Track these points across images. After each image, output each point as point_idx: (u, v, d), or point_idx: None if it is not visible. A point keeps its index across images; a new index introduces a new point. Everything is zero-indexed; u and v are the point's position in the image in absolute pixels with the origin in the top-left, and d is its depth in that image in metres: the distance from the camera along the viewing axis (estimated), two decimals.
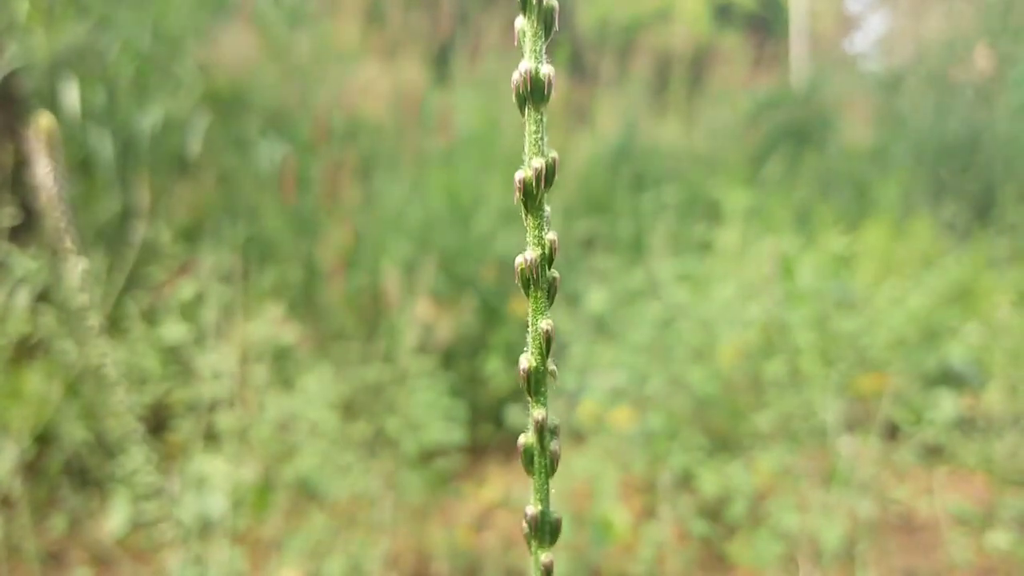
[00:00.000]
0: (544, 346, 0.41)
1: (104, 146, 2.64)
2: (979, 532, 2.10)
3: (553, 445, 0.42)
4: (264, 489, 1.86)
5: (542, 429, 0.42)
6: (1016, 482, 2.31)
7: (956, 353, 2.65)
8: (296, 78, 3.25)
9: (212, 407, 1.95)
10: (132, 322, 2.17)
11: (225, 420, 1.88)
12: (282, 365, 2.25)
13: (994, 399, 2.51)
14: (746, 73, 5.82)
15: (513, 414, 2.28)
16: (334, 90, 3.34)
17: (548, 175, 0.40)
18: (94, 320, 0.91)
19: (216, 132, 2.85)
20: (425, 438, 2.06)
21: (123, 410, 0.89)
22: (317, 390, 1.99)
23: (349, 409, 2.16)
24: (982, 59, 5.11)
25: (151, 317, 2.26)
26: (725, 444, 2.28)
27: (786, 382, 2.31)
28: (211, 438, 1.97)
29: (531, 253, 0.40)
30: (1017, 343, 2.74)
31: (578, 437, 2.18)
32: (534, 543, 0.43)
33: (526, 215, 0.40)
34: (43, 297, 2.17)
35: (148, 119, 2.68)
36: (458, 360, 2.67)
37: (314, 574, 1.65)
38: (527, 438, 0.42)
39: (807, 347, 2.34)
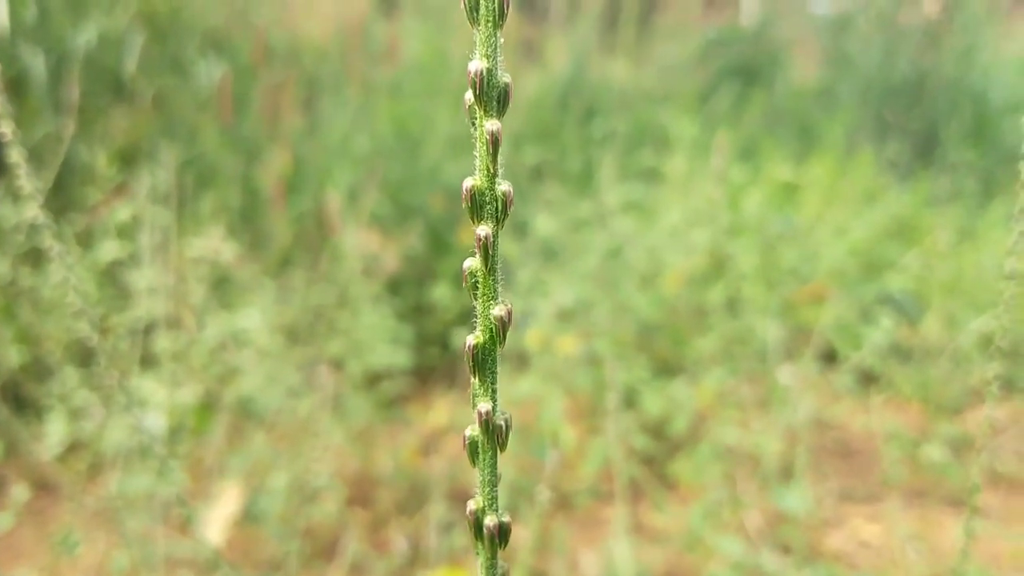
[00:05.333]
0: None
1: (36, 64, 2.53)
2: (913, 455, 2.16)
3: None
4: (204, 409, 1.84)
5: None
6: (950, 409, 2.37)
7: (895, 284, 2.70)
8: None
9: (149, 329, 1.91)
10: (67, 244, 2.11)
11: (163, 341, 1.84)
12: (223, 289, 2.21)
13: (931, 328, 2.57)
14: (697, 12, 5.79)
15: (459, 337, 2.27)
16: (275, 10, 3.25)
17: None
18: (50, 240, 0.85)
19: (153, 51, 2.76)
20: (370, 360, 2.04)
21: (84, 325, 0.84)
22: (259, 311, 1.96)
23: (291, 332, 2.13)
24: (930, 3, 5.15)
25: (86, 240, 2.20)
26: (668, 369, 2.31)
27: (729, 307, 2.34)
28: (150, 362, 1.93)
29: None
30: (953, 276, 2.81)
31: (524, 361, 2.19)
32: (479, 110, 0.38)
33: None
34: None
35: (82, 37, 2.57)
36: (405, 289, 2.65)
37: (257, 489, 1.64)
38: None
39: (750, 272, 2.37)
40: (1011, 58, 4.93)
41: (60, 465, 1.85)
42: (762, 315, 2.27)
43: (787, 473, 1.91)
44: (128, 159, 2.47)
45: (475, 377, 0.42)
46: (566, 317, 2.24)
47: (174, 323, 1.94)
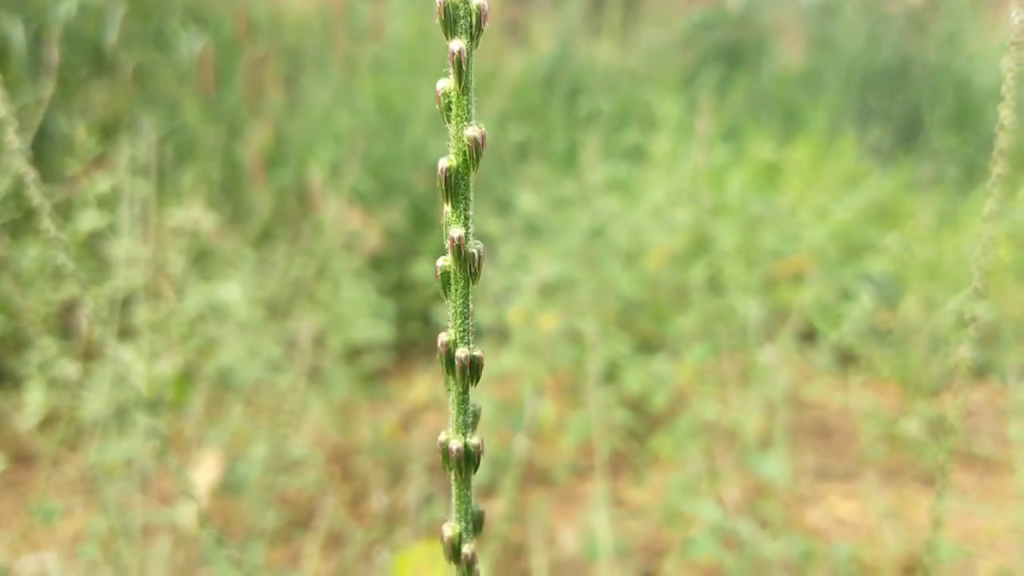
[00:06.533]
0: None
1: (16, 34, 2.51)
2: (890, 435, 2.19)
3: None
4: (183, 381, 1.83)
5: None
6: (927, 390, 2.40)
7: (875, 266, 2.71)
8: None
9: (128, 300, 1.89)
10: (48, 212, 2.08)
11: (142, 312, 1.83)
12: (203, 262, 2.20)
13: (910, 310, 2.59)
14: None
15: (441, 312, 2.27)
16: None
17: None
18: (45, 210, 0.82)
19: (134, 23, 2.73)
20: (351, 334, 2.04)
21: (73, 286, 0.82)
22: (239, 284, 1.95)
23: (271, 305, 2.12)
24: None
25: (65, 211, 2.18)
26: (649, 346, 2.31)
27: (710, 285, 2.35)
28: (128, 333, 1.92)
29: None
30: (933, 259, 2.82)
31: (505, 337, 2.19)
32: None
33: None
34: None
35: (62, 7, 2.54)
36: (387, 266, 2.65)
37: (237, 458, 1.64)
38: None
39: (732, 251, 2.38)
40: (995, 46, 4.95)
41: (39, 434, 1.84)
42: (743, 293, 2.28)
43: (765, 448, 1.92)
44: (108, 131, 2.45)
45: (447, 203, 0.40)
46: (548, 293, 2.24)
47: (153, 294, 1.93)
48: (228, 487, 1.58)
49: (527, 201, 2.51)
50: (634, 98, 3.72)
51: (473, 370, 0.42)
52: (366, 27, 3.50)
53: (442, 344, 0.42)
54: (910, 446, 2.14)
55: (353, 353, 2.12)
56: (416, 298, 2.55)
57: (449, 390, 0.43)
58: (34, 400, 1.71)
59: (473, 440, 0.43)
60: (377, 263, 2.57)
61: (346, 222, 2.37)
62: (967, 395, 0.71)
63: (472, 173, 0.40)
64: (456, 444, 0.43)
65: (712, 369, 2.17)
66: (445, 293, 0.42)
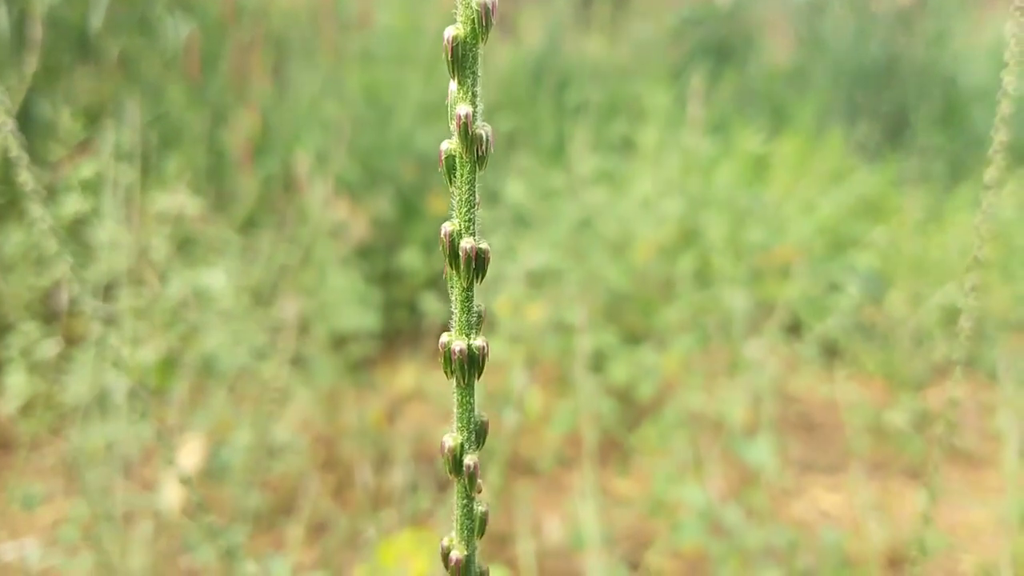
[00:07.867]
0: None
1: None
2: (875, 428, 2.19)
3: None
4: (166, 367, 1.81)
5: None
6: (912, 385, 2.40)
7: (861, 261, 2.72)
8: None
9: (111, 286, 1.88)
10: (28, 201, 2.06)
11: (125, 298, 1.81)
12: (187, 249, 2.18)
13: (895, 305, 2.60)
14: None
15: (427, 301, 2.26)
16: None
17: None
18: (32, 184, 0.80)
19: (119, 7, 2.70)
20: (337, 322, 2.03)
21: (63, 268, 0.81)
22: (224, 271, 1.93)
23: (256, 293, 2.11)
24: None
25: (49, 196, 2.15)
26: (636, 338, 2.31)
27: (697, 278, 2.35)
28: (112, 320, 1.90)
29: None
30: (919, 255, 2.83)
31: (491, 326, 2.18)
32: None
33: None
34: None
35: None
36: (374, 255, 2.63)
37: (220, 443, 1.62)
38: None
39: (719, 243, 2.38)
40: (982, 45, 4.97)
41: (20, 419, 1.82)
42: (730, 286, 2.29)
43: (751, 438, 1.92)
44: (93, 116, 2.42)
45: (454, 78, 0.37)
46: (535, 284, 2.24)
47: (136, 280, 1.91)
48: (211, 473, 1.57)
49: (515, 191, 2.51)
50: (622, 91, 3.72)
51: (479, 263, 0.39)
52: (353, 16, 3.48)
53: (445, 234, 0.39)
54: (894, 439, 2.15)
55: (339, 341, 2.11)
56: (403, 287, 2.54)
57: (451, 287, 0.40)
58: (15, 384, 1.69)
59: (477, 341, 0.40)
60: (364, 252, 2.56)
61: (332, 211, 2.36)
62: (958, 388, 0.71)
63: (481, 44, 0.37)
64: (459, 345, 0.40)
65: (698, 360, 2.17)
66: (450, 179, 0.39)
